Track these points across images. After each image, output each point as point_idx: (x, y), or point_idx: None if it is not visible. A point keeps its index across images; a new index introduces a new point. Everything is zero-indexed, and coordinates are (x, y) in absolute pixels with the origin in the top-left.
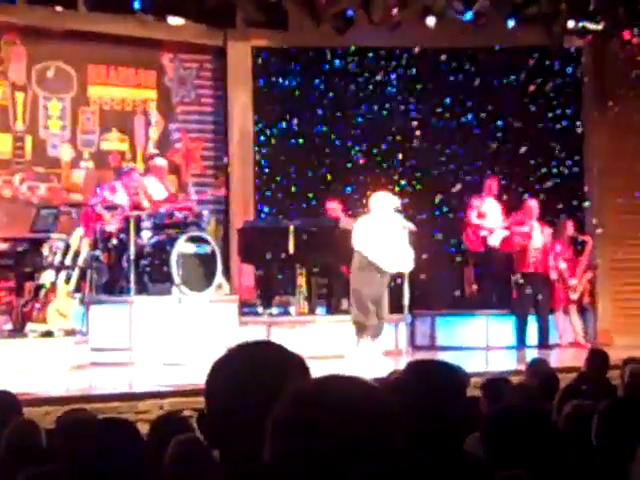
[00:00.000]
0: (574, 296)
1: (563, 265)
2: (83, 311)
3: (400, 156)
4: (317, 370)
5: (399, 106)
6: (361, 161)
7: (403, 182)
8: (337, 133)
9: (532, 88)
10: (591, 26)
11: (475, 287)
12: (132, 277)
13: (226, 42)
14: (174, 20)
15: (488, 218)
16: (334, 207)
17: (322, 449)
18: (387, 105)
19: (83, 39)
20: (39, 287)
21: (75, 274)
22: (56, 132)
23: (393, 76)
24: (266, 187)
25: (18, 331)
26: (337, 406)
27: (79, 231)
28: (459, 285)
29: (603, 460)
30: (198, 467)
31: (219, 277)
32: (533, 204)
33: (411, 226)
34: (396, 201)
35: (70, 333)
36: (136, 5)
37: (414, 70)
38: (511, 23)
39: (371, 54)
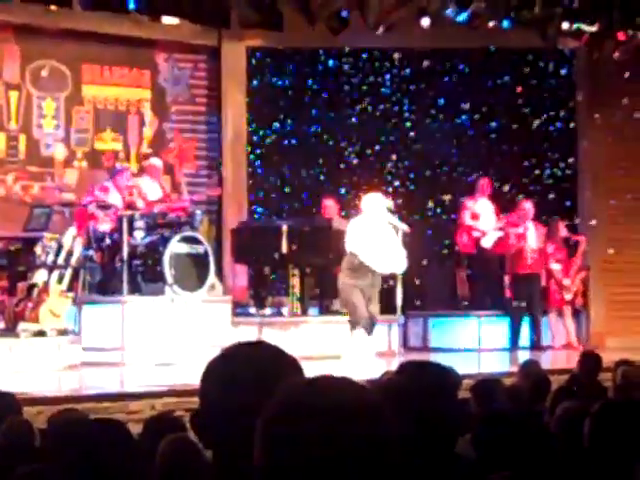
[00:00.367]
0: (568, 296)
1: (556, 266)
2: (75, 311)
3: (394, 157)
4: (310, 371)
5: (393, 107)
6: (355, 162)
7: (397, 183)
8: (331, 134)
9: (526, 89)
10: (586, 27)
11: (467, 289)
12: (125, 277)
13: (221, 42)
14: (169, 20)
15: (481, 219)
16: (330, 205)
17: (311, 450)
18: (381, 106)
19: (77, 38)
20: (32, 286)
21: (68, 274)
22: (50, 131)
23: (387, 77)
24: (259, 187)
25: (10, 330)
26: (326, 407)
27: (72, 230)
28: (452, 286)
29: (595, 462)
30: (188, 466)
31: (212, 277)
32: (528, 206)
33: (404, 227)
34: (388, 202)
35: (62, 333)
36: (131, 5)
37: (408, 71)
38: (506, 24)
39: (365, 55)
